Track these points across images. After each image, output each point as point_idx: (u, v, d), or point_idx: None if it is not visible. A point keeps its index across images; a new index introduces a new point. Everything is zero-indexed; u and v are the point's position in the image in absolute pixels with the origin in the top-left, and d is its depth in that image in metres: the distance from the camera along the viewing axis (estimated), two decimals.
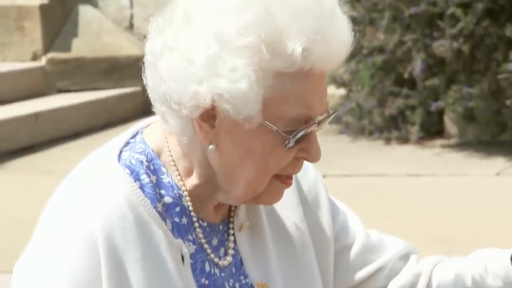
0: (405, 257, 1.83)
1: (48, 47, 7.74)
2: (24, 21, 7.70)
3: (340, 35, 1.56)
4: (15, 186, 6.02)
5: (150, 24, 1.59)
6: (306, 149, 1.59)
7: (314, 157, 1.60)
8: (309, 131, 1.58)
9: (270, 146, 1.57)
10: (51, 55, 7.73)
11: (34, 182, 5.88)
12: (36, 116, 7.06)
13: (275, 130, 1.56)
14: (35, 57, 7.74)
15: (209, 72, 1.53)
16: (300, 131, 1.56)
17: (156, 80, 1.57)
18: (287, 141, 1.56)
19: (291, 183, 1.64)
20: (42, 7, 7.66)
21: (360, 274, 1.80)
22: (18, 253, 1.63)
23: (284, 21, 1.52)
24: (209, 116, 1.56)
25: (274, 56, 1.53)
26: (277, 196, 1.64)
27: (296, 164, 1.61)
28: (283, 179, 1.62)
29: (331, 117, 1.60)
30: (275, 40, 1.52)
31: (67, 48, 7.75)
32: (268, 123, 1.55)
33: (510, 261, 1.71)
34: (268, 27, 1.52)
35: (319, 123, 1.58)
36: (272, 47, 1.52)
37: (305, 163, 1.66)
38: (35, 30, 7.68)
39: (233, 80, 1.52)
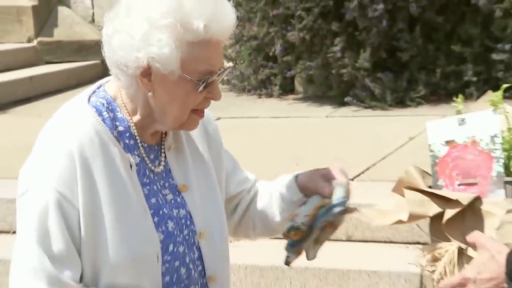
0: (248, 181, 1.83)
1: (38, 33, 7.52)
2: (22, 16, 7.48)
3: (227, 16, 1.55)
4: (16, 124, 5.86)
5: (105, 17, 1.56)
6: (212, 92, 1.58)
7: (217, 96, 1.61)
8: (212, 79, 1.57)
9: (187, 91, 1.55)
10: (40, 39, 7.51)
11: (29, 122, 5.70)
12: (30, 78, 6.85)
13: (190, 80, 1.54)
14: (29, 40, 7.53)
15: (144, 43, 1.51)
16: (206, 80, 1.55)
17: (110, 52, 1.55)
18: (199, 87, 1.55)
19: (203, 116, 1.63)
20: (34, 7, 7.43)
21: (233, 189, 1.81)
22: (21, 166, 1.59)
23: (191, 7, 1.50)
24: (147, 73, 1.54)
25: (186, 31, 1.51)
26: (195, 124, 1.63)
27: (205, 102, 1.60)
28: (198, 112, 1.61)
29: (227, 70, 1.60)
30: (186, 20, 1.50)
31: (51, 34, 7.54)
32: (185, 75, 1.54)
33: (294, 179, 1.72)
34: (180, 12, 1.50)
35: (219, 74, 1.57)
36: (184, 25, 1.50)
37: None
38: (29, 22, 7.47)
39: (160, 47, 1.50)
